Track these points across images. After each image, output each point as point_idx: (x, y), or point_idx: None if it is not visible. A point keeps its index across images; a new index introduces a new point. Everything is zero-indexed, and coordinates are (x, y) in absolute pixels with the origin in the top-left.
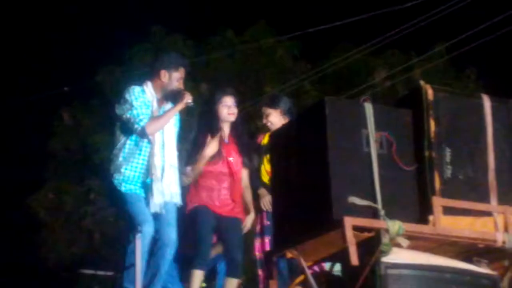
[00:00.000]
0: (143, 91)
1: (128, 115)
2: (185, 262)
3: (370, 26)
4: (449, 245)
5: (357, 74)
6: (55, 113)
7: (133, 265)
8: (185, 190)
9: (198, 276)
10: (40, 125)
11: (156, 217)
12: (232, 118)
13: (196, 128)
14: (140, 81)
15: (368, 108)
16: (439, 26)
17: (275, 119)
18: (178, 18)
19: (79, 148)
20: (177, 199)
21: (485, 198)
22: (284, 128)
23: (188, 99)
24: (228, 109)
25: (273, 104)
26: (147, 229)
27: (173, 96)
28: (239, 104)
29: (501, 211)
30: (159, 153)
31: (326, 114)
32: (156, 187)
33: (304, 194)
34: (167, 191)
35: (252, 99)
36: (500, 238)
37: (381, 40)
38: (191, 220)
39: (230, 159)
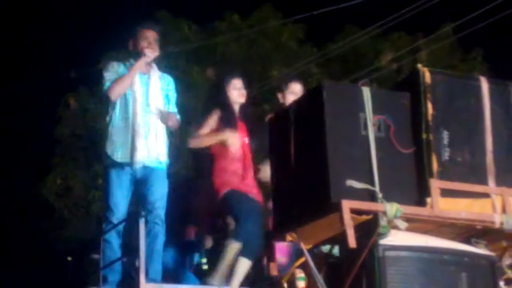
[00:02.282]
0: (121, 65)
1: (100, 89)
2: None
3: (376, 8)
4: (448, 227)
5: (363, 56)
6: (61, 99)
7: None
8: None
9: (235, 248)
10: (47, 111)
11: (144, 186)
12: (243, 99)
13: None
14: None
15: (366, 92)
16: (445, 7)
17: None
18: (184, 2)
19: (86, 133)
20: (163, 158)
21: (483, 180)
22: (283, 111)
23: (148, 51)
24: (238, 91)
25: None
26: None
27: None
28: (246, 87)
29: (499, 193)
30: (140, 116)
31: (324, 98)
32: (139, 143)
33: (303, 177)
34: (154, 149)
35: (258, 82)
36: (497, 219)
37: (387, 22)
38: (228, 202)
39: (245, 139)
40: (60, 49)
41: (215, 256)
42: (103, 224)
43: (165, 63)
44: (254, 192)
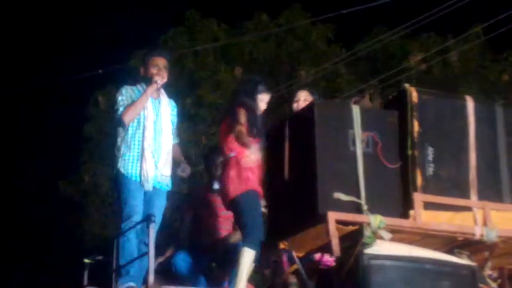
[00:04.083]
0: (133, 89)
1: (113, 111)
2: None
3: (405, 8)
4: (432, 238)
5: (392, 57)
6: (90, 97)
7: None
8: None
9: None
10: (76, 108)
11: (148, 202)
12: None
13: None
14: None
15: (356, 110)
16: (476, 7)
17: None
18: (213, 2)
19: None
20: (167, 181)
21: (465, 194)
22: (278, 128)
23: (157, 79)
24: (263, 105)
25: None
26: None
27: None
28: (274, 87)
29: (480, 207)
30: (151, 139)
31: (315, 116)
32: (150, 167)
33: (295, 190)
34: (162, 173)
35: (286, 82)
36: (478, 231)
37: (417, 23)
38: (244, 200)
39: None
40: (90, 46)
41: (224, 260)
42: (122, 223)
43: (194, 62)
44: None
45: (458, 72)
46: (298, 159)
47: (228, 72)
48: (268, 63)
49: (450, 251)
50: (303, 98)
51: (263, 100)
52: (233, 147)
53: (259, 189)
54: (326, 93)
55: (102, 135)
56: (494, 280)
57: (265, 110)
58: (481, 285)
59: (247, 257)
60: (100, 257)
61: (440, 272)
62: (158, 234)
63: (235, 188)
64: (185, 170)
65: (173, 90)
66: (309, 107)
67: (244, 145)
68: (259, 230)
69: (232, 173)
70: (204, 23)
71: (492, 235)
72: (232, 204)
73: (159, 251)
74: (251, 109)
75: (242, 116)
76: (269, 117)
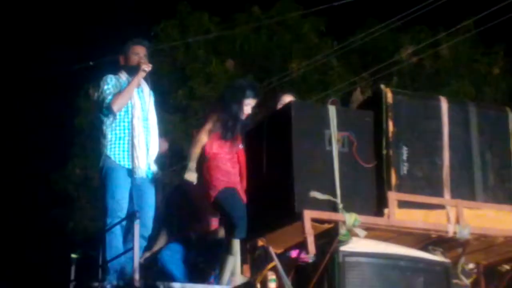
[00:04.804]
0: (117, 78)
1: (97, 99)
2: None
3: (397, 1)
4: (406, 235)
5: (383, 50)
6: (81, 90)
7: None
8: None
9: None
10: (68, 100)
11: (139, 193)
12: (243, 117)
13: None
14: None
15: (332, 110)
16: (467, 0)
17: None
18: None
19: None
20: (155, 168)
21: (439, 193)
22: (256, 127)
23: (145, 67)
24: (248, 109)
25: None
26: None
27: (136, 71)
28: (265, 80)
29: (453, 205)
30: (141, 127)
31: (292, 116)
32: (140, 154)
33: (272, 188)
34: (150, 160)
35: (277, 75)
36: (451, 229)
37: (408, 15)
38: (222, 197)
39: (241, 146)
40: (81, 39)
41: (211, 254)
42: (108, 219)
43: (185, 54)
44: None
45: (449, 65)
46: (275, 158)
47: (220, 64)
48: (259, 56)
49: (424, 248)
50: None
51: (249, 105)
52: (207, 150)
53: (236, 185)
54: (318, 86)
55: (93, 127)
56: (470, 276)
57: (249, 114)
58: (455, 281)
59: (235, 248)
60: (82, 253)
61: (414, 268)
62: (155, 223)
63: (211, 191)
64: (161, 145)
65: (165, 82)
66: (287, 108)
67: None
68: (243, 220)
69: (207, 176)
70: (195, 15)
71: (464, 233)
72: (214, 206)
73: (151, 244)
74: (229, 115)
75: (209, 124)
76: (260, 110)
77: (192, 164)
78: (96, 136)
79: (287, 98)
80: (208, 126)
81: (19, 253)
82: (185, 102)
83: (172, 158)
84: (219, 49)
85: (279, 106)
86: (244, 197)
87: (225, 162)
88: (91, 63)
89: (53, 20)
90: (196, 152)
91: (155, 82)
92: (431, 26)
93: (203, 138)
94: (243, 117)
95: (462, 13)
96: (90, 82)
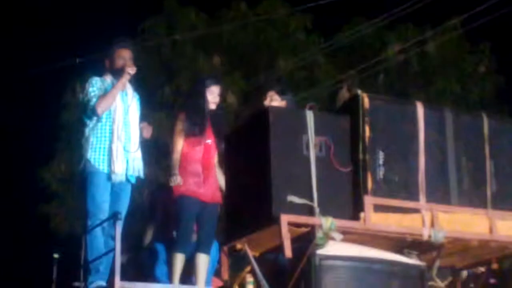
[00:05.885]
0: (102, 80)
1: (82, 101)
2: (169, 246)
3: None
4: (382, 239)
5: (370, 47)
6: (68, 85)
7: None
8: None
9: (180, 259)
10: (53, 96)
11: (115, 197)
12: (214, 106)
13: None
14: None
15: (310, 115)
16: None
17: None
18: None
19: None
20: (140, 173)
21: (414, 197)
22: (235, 131)
23: (129, 70)
24: (213, 97)
25: (283, 95)
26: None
27: (121, 74)
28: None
29: (428, 208)
30: (121, 131)
31: (270, 121)
32: (119, 157)
33: (250, 192)
34: (131, 164)
35: (264, 72)
36: (426, 232)
37: (395, 14)
38: (177, 205)
39: (208, 141)
40: (68, 36)
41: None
42: (89, 221)
43: (172, 51)
44: (210, 196)
45: (435, 63)
46: (253, 161)
47: (207, 61)
48: (246, 53)
49: (399, 252)
50: (269, 97)
51: (213, 93)
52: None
53: (196, 191)
54: (305, 83)
55: (79, 123)
56: (445, 278)
57: (219, 102)
58: (430, 283)
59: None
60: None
61: (390, 271)
62: (125, 228)
63: (174, 192)
64: (146, 130)
65: (152, 79)
66: (264, 112)
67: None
68: (183, 237)
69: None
70: (182, 11)
71: (439, 236)
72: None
73: (125, 246)
74: (195, 110)
75: (179, 125)
76: (249, 106)
77: (175, 171)
78: (77, 139)
79: (269, 93)
80: (179, 126)
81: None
82: (172, 98)
83: (158, 155)
84: (206, 45)
85: (267, 101)
86: (205, 197)
87: (194, 162)
88: (77, 60)
89: (39, 16)
90: (176, 158)
91: (141, 80)
92: (417, 24)
93: (178, 141)
94: (211, 106)
95: (449, 12)
96: (76, 78)
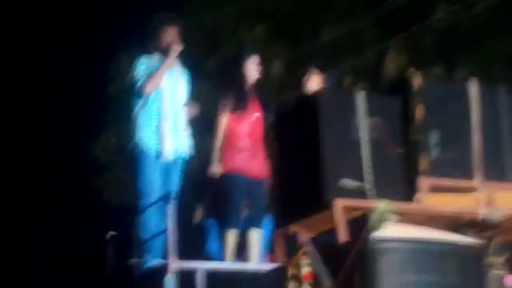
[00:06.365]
0: (149, 59)
1: (129, 81)
2: (220, 222)
3: None
4: (437, 219)
5: (418, 10)
6: (114, 58)
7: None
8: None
9: (232, 235)
10: (101, 69)
11: (167, 176)
12: (257, 75)
13: None
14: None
15: (359, 96)
16: None
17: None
18: None
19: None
20: (189, 151)
21: (469, 176)
22: (286, 116)
23: (176, 47)
24: (254, 67)
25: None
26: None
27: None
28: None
29: (484, 187)
30: (170, 110)
31: (320, 105)
32: (167, 137)
33: (303, 177)
34: (180, 143)
35: (307, 41)
36: (482, 211)
37: None
38: (225, 183)
39: (256, 114)
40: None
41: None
42: (141, 200)
43: (212, 23)
44: (257, 171)
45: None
46: (305, 146)
47: (248, 31)
48: (289, 21)
49: (456, 231)
50: (312, 78)
51: (251, 65)
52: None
53: (244, 167)
54: (350, 51)
55: (126, 95)
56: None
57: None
58: (489, 259)
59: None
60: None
61: (447, 251)
62: (177, 206)
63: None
64: (192, 110)
65: (195, 51)
66: (314, 96)
67: None
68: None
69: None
70: None
71: (496, 215)
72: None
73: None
74: (237, 86)
75: (223, 103)
76: (293, 76)
77: (215, 154)
78: (125, 113)
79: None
80: (223, 105)
81: (55, 226)
82: (216, 69)
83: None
84: (249, 14)
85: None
86: (254, 172)
87: (243, 137)
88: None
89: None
90: (218, 137)
91: (185, 52)
92: None
93: (222, 120)
94: (254, 79)
95: None
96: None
